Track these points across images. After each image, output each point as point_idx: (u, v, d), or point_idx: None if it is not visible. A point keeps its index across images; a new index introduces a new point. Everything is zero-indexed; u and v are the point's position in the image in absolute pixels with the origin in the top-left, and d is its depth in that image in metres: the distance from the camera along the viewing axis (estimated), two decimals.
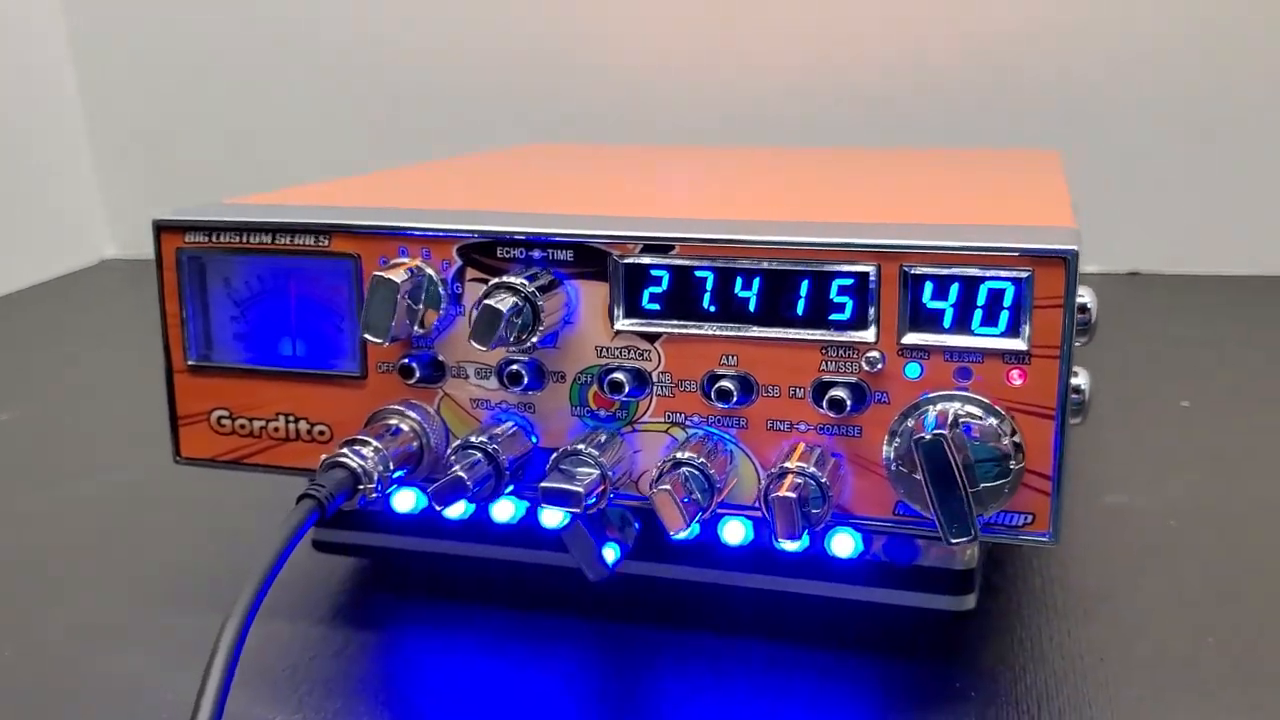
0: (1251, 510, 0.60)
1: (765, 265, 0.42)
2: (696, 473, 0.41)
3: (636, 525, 0.49)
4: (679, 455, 0.42)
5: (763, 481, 0.41)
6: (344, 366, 0.47)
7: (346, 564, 0.56)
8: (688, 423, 0.44)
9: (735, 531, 0.47)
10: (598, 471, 0.42)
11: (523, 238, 0.44)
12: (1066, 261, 0.39)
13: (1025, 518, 0.41)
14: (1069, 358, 0.40)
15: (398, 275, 0.43)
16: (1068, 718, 0.43)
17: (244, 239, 0.47)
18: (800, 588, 0.49)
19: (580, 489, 0.41)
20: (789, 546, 0.40)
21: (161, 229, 0.48)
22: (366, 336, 0.43)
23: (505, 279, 0.42)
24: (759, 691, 0.45)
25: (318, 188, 0.56)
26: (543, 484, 0.42)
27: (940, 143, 1.14)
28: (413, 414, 0.45)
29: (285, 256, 0.47)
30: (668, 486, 0.40)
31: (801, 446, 0.42)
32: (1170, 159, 1.13)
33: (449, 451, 0.44)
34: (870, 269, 0.41)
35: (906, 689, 0.46)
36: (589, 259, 0.43)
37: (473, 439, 0.44)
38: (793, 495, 0.39)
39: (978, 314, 0.41)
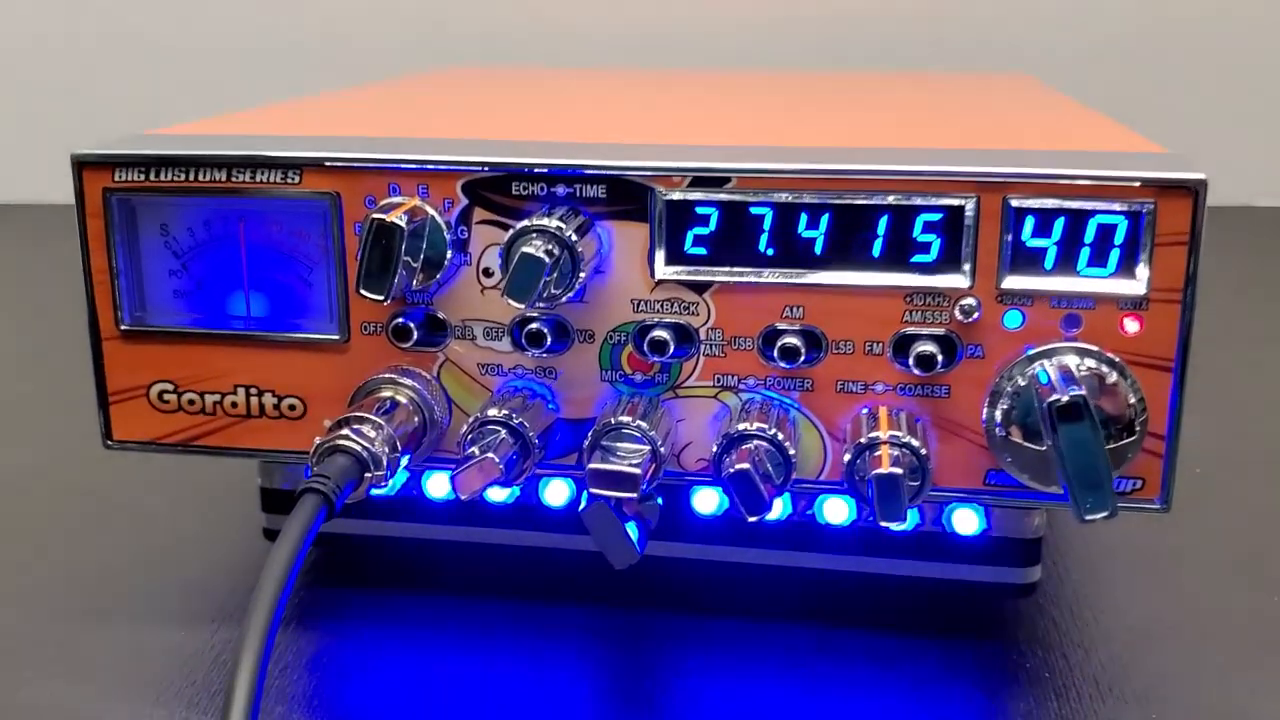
0: None
1: (835, 199, 0.36)
2: (768, 445, 0.35)
3: (659, 499, 0.42)
4: (744, 427, 0.36)
5: (848, 453, 0.35)
6: (320, 328, 0.39)
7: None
8: (741, 386, 0.37)
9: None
10: (648, 447, 0.36)
11: (544, 171, 0.37)
12: (1195, 192, 0.34)
13: (1134, 483, 0.36)
14: (1192, 303, 0.35)
15: (399, 218, 0.35)
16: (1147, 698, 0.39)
17: (192, 176, 0.39)
18: (841, 564, 0.43)
19: (636, 470, 0.35)
20: (894, 527, 0.34)
21: (84, 165, 0.39)
22: (363, 293, 0.36)
23: (536, 221, 0.35)
24: (810, 684, 0.40)
25: (254, 115, 0.48)
26: (591, 465, 0.35)
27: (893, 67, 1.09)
28: (409, 382, 0.38)
29: (240, 197, 0.38)
30: (748, 465, 0.34)
31: (885, 411, 0.36)
32: None
33: (466, 430, 0.37)
34: (968, 201, 0.35)
35: (974, 670, 0.41)
36: (625, 195, 0.37)
37: (491, 413, 0.37)
38: (899, 471, 0.33)
39: (1084, 252, 0.35)
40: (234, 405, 0.40)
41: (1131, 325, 0.35)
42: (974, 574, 0.42)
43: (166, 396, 0.41)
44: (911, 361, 0.36)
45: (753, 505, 0.34)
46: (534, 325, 0.37)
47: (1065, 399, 0.32)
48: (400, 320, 0.38)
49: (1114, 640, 0.42)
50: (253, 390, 0.40)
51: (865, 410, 0.37)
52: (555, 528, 0.44)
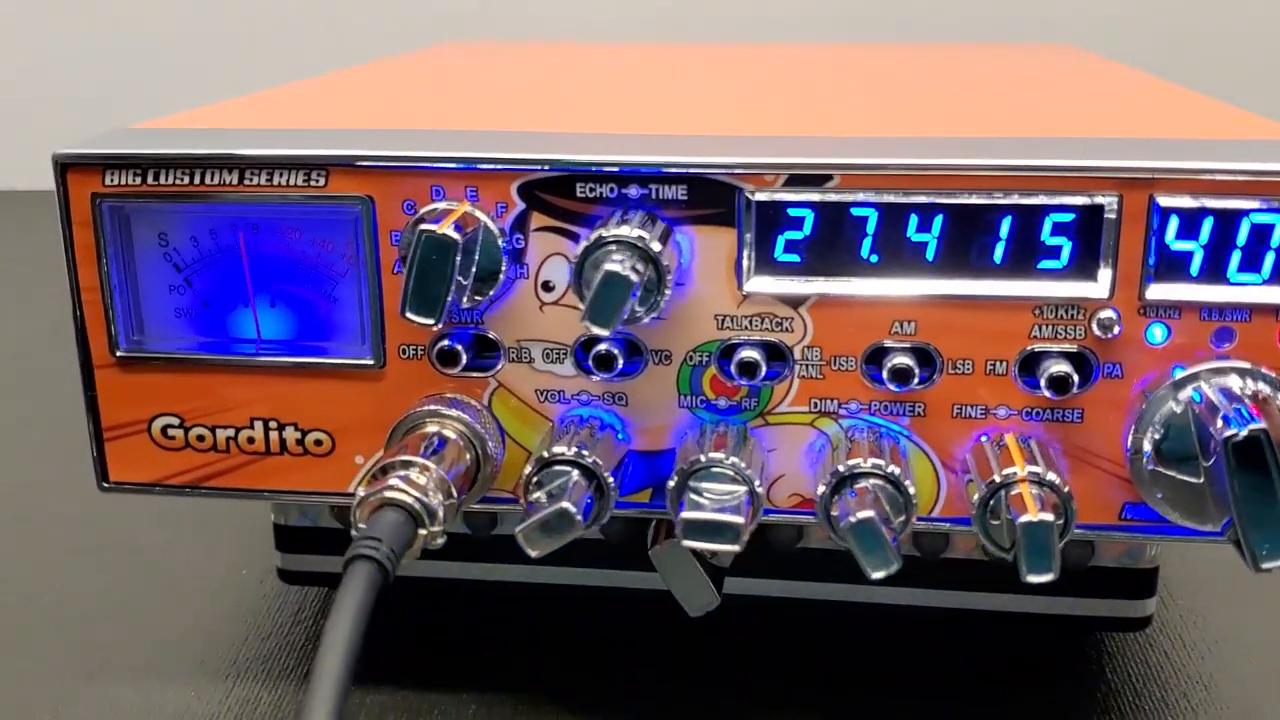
0: None
1: (950, 199, 0.31)
2: (884, 483, 0.31)
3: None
4: (854, 462, 0.31)
5: (978, 492, 0.31)
6: (350, 352, 0.34)
7: (313, 598, 0.43)
8: (842, 412, 0.33)
9: None
10: (744, 488, 0.31)
11: (615, 170, 0.32)
12: None
13: None
14: None
15: (450, 229, 0.30)
16: None
17: (198, 179, 0.33)
18: (930, 600, 0.39)
19: (739, 519, 0.30)
20: (1037, 581, 0.29)
21: (68, 167, 0.33)
22: (410, 317, 0.31)
23: (613, 230, 0.30)
24: None
25: (253, 103, 0.42)
26: (685, 516, 0.30)
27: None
28: (457, 414, 0.33)
29: (255, 202, 0.33)
30: (871, 513, 0.29)
31: (1013, 441, 0.32)
32: None
33: (530, 471, 0.32)
34: (1109, 200, 0.30)
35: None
36: (709, 197, 0.32)
37: (558, 450, 0.32)
38: (1049, 518, 0.29)
39: (1236, 256, 0.31)
40: (250, 441, 0.35)
41: None
42: (1082, 608, 0.38)
43: (171, 432, 0.35)
44: (1043, 383, 0.31)
45: (879, 560, 0.29)
46: (603, 346, 0.32)
47: (1244, 434, 0.28)
48: (446, 343, 0.33)
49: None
50: (272, 424, 0.35)
51: (985, 438, 0.32)
52: (610, 563, 0.39)
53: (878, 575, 0.29)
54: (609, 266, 0.29)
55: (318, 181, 0.33)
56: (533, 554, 0.30)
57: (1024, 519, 0.29)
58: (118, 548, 0.47)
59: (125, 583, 0.45)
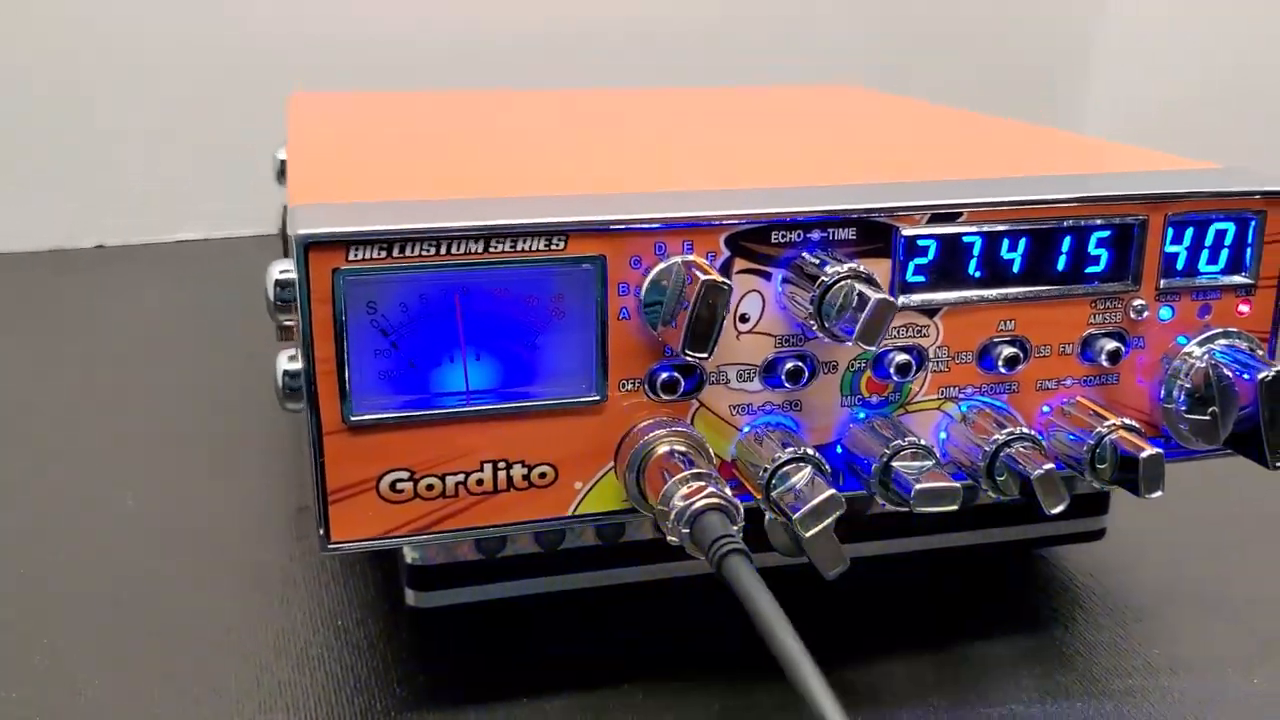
0: None
1: (1029, 225, 0.41)
2: (1031, 445, 0.40)
3: None
4: (1003, 435, 0.40)
5: (1087, 443, 0.41)
6: (578, 392, 0.38)
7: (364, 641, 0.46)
8: (960, 395, 0.42)
9: None
10: (934, 460, 0.39)
11: (803, 218, 0.39)
12: None
13: None
14: None
15: (723, 279, 0.36)
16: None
17: (442, 250, 0.36)
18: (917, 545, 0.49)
19: (957, 485, 0.38)
20: (1153, 496, 0.40)
21: (310, 246, 0.35)
22: (689, 354, 0.36)
23: (843, 267, 0.37)
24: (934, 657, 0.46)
25: (412, 164, 0.44)
26: (920, 486, 0.38)
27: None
28: (682, 430, 0.39)
29: (494, 267, 0.37)
30: (1051, 464, 0.39)
31: (1089, 402, 0.42)
32: None
33: (766, 476, 0.38)
34: (1141, 219, 0.42)
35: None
36: (872, 235, 0.40)
37: (785, 454, 0.38)
38: (1159, 450, 0.40)
39: (1205, 253, 0.44)
40: (480, 483, 0.38)
41: (1243, 308, 0.44)
42: (1054, 528, 0.50)
43: (400, 486, 0.38)
44: (1104, 358, 0.42)
45: (1055, 500, 0.39)
46: (792, 363, 0.39)
47: (1271, 375, 0.40)
48: (668, 374, 0.39)
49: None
50: (501, 464, 0.38)
51: (1063, 403, 0.43)
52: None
53: (1055, 511, 0.39)
54: (876, 295, 0.36)
55: (558, 245, 0.37)
56: (808, 534, 0.37)
57: (1146, 454, 0.40)
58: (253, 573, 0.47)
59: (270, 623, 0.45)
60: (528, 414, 0.38)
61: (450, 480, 0.38)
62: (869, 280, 0.37)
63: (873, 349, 0.37)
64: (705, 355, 0.36)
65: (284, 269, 0.41)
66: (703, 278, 0.36)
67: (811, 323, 0.38)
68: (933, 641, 0.46)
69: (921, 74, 1.19)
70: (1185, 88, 1.23)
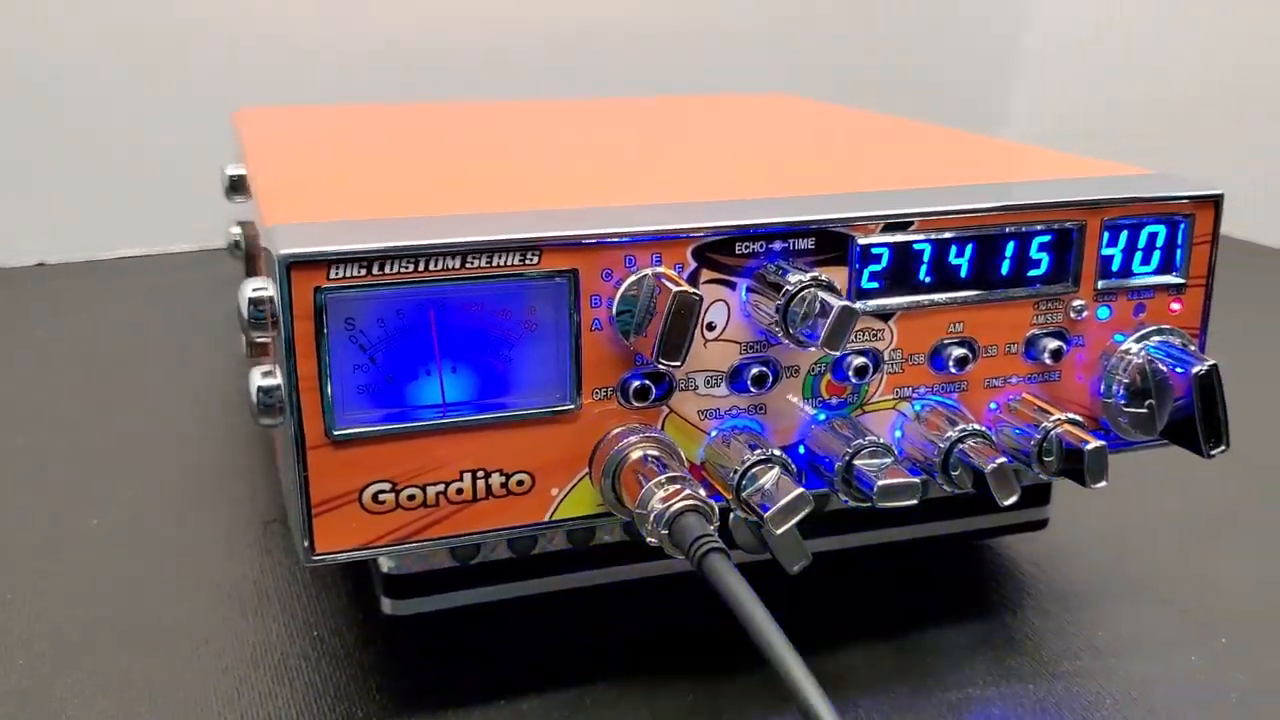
0: None
1: (975, 232, 0.43)
2: (982, 440, 0.42)
3: None
4: (956, 432, 0.42)
5: (1033, 436, 0.43)
6: (553, 401, 0.40)
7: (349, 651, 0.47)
8: (913, 395, 0.44)
9: None
10: (892, 458, 0.41)
11: (766, 229, 0.41)
12: (1217, 202, 0.46)
13: None
14: (1212, 285, 0.47)
15: (693, 290, 0.38)
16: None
17: (420, 267, 0.37)
18: (872, 539, 0.51)
19: (916, 480, 0.40)
20: (1098, 487, 0.42)
21: (292, 265, 0.36)
22: (663, 363, 0.38)
23: (806, 275, 0.39)
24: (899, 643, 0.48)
25: (383, 182, 0.45)
26: (883, 483, 0.40)
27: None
28: (654, 436, 0.40)
29: (467, 282, 0.38)
30: (1003, 459, 0.41)
31: (1034, 399, 0.45)
32: None
33: (737, 477, 0.40)
34: (1080, 223, 0.44)
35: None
36: (830, 244, 0.42)
37: (753, 456, 0.40)
38: (1104, 443, 0.42)
39: (1138, 255, 0.46)
40: (459, 492, 0.40)
41: (1175, 306, 0.47)
42: (1002, 519, 0.52)
43: (382, 497, 0.39)
44: (1046, 356, 0.45)
45: (1007, 493, 0.41)
46: (757, 369, 0.41)
47: (1204, 369, 0.43)
48: (639, 382, 0.40)
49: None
50: (479, 473, 0.40)
51: (1009, 399, 0.45)
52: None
53: (1009, 502, 0.41)
54: (840, 302, 0.38)
55: (532, 260, 0.38)
56: (777, 531, 0.39)
57: (1091, 446, 0.42)
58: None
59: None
60: (504, 424, 0.39)
61: (431, 490, 0.39)
62: (830, 288, 0.39)
63: (836, 353, 0.39)
64: (678, 364, 0.38)
65: (257, 287, 0.42)
66: (674, 289, 0.37)
67: (776, 329, 0.39)
68: (888, 631, 0.48)
69: (855, 83, 1.22)
70: (1101, 93, 1.27)
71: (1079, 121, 1.27)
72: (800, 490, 0.39)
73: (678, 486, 0.38)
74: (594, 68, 1.16)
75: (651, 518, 0.37)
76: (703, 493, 0.38)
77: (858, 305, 0.42)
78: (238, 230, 0.72)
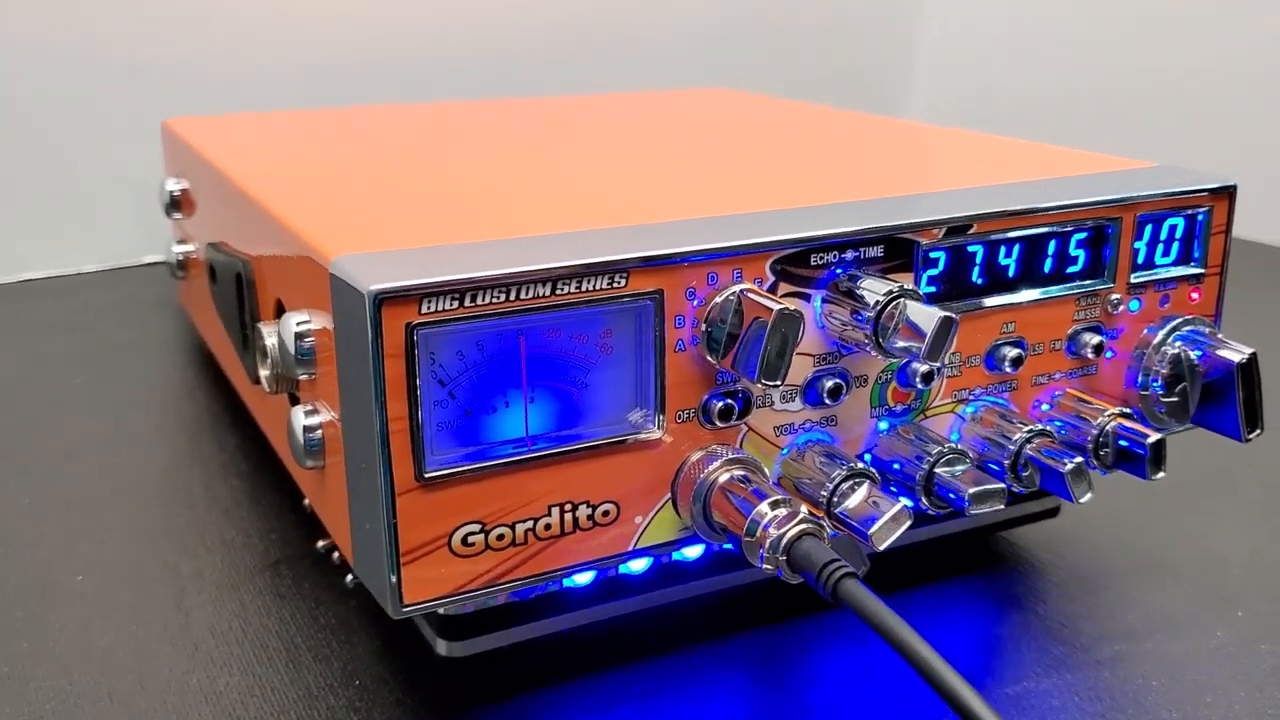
0: None
1: (1020, 232, 0.44)
2: (1048, 439, 0.43)
3: None
4: (1025, 433, 0.43)
5: (1090, 431, 0.44)
6: (638, 428, 0.38)
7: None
8: (970, 397, 0.44)
9: None
10: (970, 462, 0.41)
11: (838, 240, 0.40)
12: (1231, 194, 0.47)
13: None
14: (1226, 273, 0.48)
15: (792, 307, 0.37)
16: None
17: (510, 296, 0.35)
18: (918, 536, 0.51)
19: (1002, 485, 0.40)
20: (1157, 477, 0.43)
21: (384, 300, 0.34)
22: (764, 382, 0.37)
23: (895, 287, 0.39)
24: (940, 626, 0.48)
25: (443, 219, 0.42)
26: (974, 490, 0.40)
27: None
28: (738, 456, 0.39)
29: (555, 310, 0.36)
30: (1079, 459, 0.41)
31: (1079, 394, 0.45)
32: None
33: (827, 494, 0.39)
34: (1117, 219, 0.45)
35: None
36: (896, 251, 0.41)
37: (839, 471, 0.39)
38: (1164, 434, 0.43)
39: (1159, 248, 0.47)
40: (547, 528, 0.38)
41: (1194, 295, 0.48)
42: (1017, 510, 0.53)
43: (471, 539, 0.37)
44: (1088, 350, 0.45)
45: (1084, 490, 0.41)
46: (831, 381, 0.41)
47: (1245, 358, 0.44)
48: (723, 402, 0.39)
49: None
50: (567, 506, 0.38)
51: (1054, 395, 0.45)
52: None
53: (1084, 499, 0.42)
54: (940, 313, 0.37)
55: (619, 283, 0.37)
56: (881, 547, 0.38)
57: (1152, 439, 0.43)
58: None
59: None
60: (590, 454, 0.38)
61: (520, 528, 0.37)
62: (918, 296, 0.39)
63: (937, 363, 0.39)
64: (777, 383, 0.37)
65: (302, 320, 0.40)
66: (775, 307, 0.36)
67: (864, 340, 0.39)
68: (925, 631, 0.48)
69: (755, 74, 1.22)
70: (997, 82, 1.31)
71: (968, 110, 1.31)
72: (902, 503, 0.38)
73: (788, 510, 0.37)
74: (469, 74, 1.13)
75: (768, 544, 0.36)
76: (805, 511, 0.37)
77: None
78: (180, 249, 0.68)
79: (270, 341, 0.42)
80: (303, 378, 0.40)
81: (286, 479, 0.59)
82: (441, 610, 0.41)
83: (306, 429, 0.40)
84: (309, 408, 0.40)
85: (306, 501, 0.48)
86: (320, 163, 0.56)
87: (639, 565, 0.44)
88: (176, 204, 0.64)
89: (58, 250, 0.97)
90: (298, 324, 0.39)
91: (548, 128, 0.66)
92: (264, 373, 0.44)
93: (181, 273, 0.68)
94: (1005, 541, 0.56)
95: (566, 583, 0.43)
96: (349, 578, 0.44)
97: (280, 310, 0.45)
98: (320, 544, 0.47)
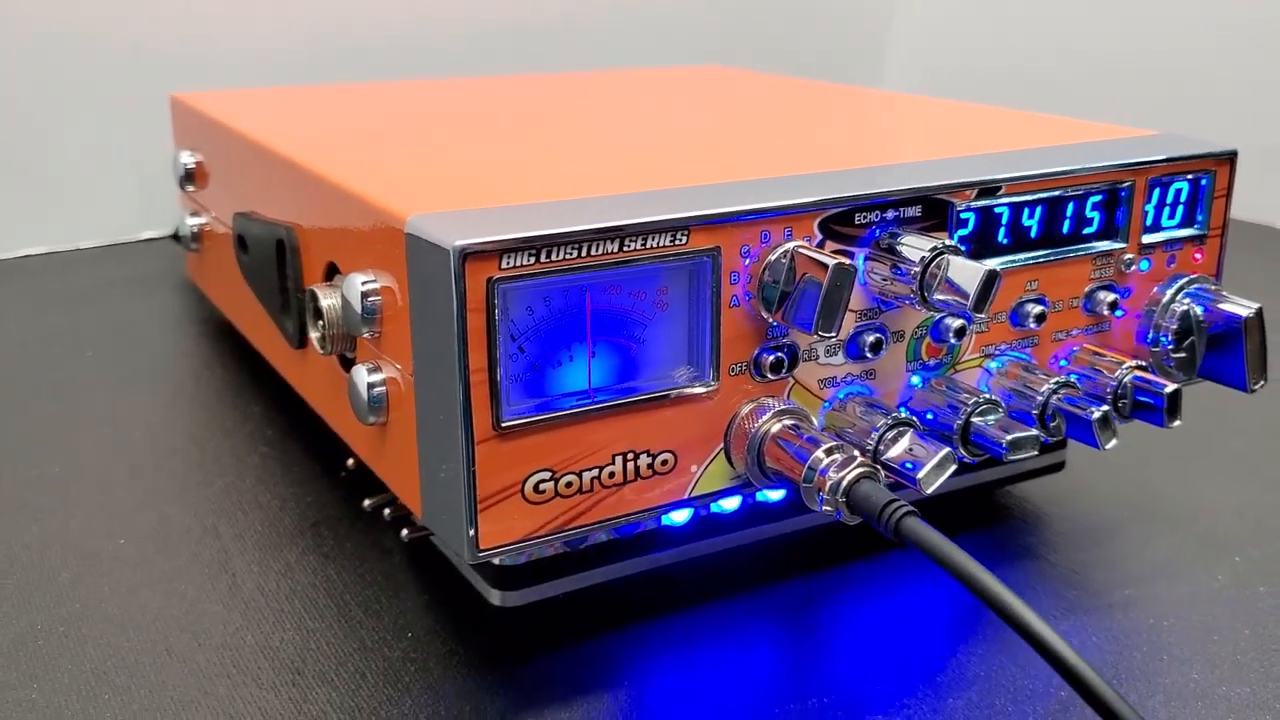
0: None
1: (1046, 194, 0.46)
2: (1072, 390, 0.45)
3: None
4: (1047, 386, 0.45)
5: (1109, 385, 0.46)
6: (695, 380, 0.40)
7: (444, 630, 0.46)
8: (995, 352, 0.46)
9: None
10: (1003, 410, 0.44)
11: (880, 200, 0.42)
12: (1232, 159, 0.50)
13: None
14: (1226, 233, 0.51)
15: (846, 261, 0.39)
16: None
17: (582, 252, 0.37)
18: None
19: (1035, 431, 0.43)
20: (1174, 425, 0.46)
21: (468, 256, 0.35)
22: (820, 334, 0.39)
23: (939, 243, 0.41)
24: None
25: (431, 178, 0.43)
26: (1011, 437, 0.42)
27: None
28: (788, 407, 0.41)
29: (620, 266, 0.38)
30: (1106, 408, 0.44)
31: (1095, 349, 0.48)
32: None
33: (875, 441, 0.41)
34: (1130, 183, 0.48)
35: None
36: (932, 211, 0.43)
37: (884, 420, 0.42)
38: (1180, 385, 0.45)
39: (1166, 210, 0.50)
40: (611, 476, 0.39)
41: (1198, 256, 0.50)
42: (1025, 465, 0.56)
43: (543, 486, 0.38)
44: (1104, 308, 0.48)
45: (1109, 436, 0.44)
46: (872, 335, 0.43)
47: (1252, 312, 0.47)
48: (774, 355, 0.41)
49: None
50: (629, 455, 0.40)
51: (1072, 350, 0.48)
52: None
53: (1109, 446, 0.44)
54: (985, 267, 0.39)
55: (681, 240, 0.38)
56: (929, 490, 0.40)
57: (1169, 389, 0.45)
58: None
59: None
60: (651, 405, 0.40)
61: (586, 476, 0.39)
62: (960, 252, 0.41)
63: (982, 315, 0.41)
64: (833, 334, 0.39)
65: (367, 280, 0.41)
66: (831, 261, 0.38)
67: (910, 295, 0.41)
68: (947, 581, 0.51)
69: (730, 52, 1.23)
70: (977, 59, 1.34)
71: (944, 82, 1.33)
72: (947, 449, 0.40)
73: (844, 455, 0.39)
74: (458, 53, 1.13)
75: (828, 487, 0.38)
76: (860, 455, 0.39)
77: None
78: (194, 221, 0.68)
79: (329, 303, 0.43)
80: (366, 336, 0.42)
81: (315, 446, 0.60)
82: (498, 560, 0.42)
83: (370, 385, 0.41)
84: (371, 365, 0.41)
85: (350, 462, 0.49)
86: (359, 131, 0.57)
87: (680, 517, 0.46)
88: (191, 177, 0.65)
89: (57, 227, 0.96)
90: (363, 283, 0.41)
91: (568, 101, 0.67)
92: (314, 334, 0.45)
93: (195, 245, 0.68)
94: (1012, 497, 0.58)
95: (626, 529, 0.44)
96: (404, 532, 0.46)
97: (331, 273, 0.46)
98: (367, 503, 0.48)
